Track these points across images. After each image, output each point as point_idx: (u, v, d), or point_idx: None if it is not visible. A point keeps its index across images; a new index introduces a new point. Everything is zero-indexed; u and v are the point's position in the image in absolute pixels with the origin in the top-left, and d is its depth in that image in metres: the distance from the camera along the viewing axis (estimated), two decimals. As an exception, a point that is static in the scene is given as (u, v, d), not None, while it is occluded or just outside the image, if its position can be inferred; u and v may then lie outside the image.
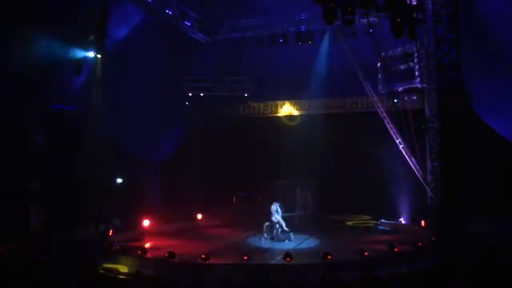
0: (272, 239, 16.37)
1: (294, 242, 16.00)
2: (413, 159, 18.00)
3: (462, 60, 13.73)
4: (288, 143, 21.27)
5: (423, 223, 17.80)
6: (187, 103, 22.87)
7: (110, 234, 16.84)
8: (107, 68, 16.94)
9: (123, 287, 11.47)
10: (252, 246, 15.63)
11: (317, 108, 22.47)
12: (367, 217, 20.16)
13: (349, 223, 19.74)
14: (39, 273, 10.81)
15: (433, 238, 14.83)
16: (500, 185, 17.55)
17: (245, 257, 12.96)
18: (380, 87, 19.23)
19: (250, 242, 16.54)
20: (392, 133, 18.56)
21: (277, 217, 16.48)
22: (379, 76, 19.11)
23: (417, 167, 17.87)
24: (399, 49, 17.91)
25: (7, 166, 15.30)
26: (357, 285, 9.17)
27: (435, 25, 13.85)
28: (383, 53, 18.04)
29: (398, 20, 13.50)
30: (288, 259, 12.81)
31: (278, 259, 13.43)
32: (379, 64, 18.83)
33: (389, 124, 18.77)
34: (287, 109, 23.05)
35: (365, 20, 15.93)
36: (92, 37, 14.78)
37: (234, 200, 21.18)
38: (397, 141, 18.51)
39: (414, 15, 14.77)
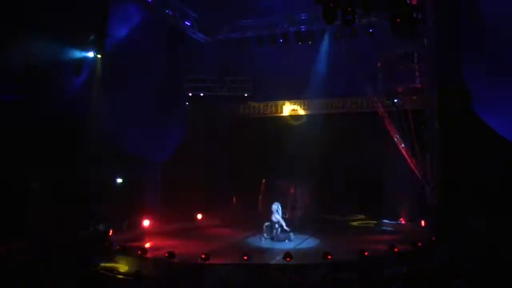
0: (272, 239, 16.37)
1: (294, 242, 16.00)
2: (413, 159, 18.00)
3: (462, 60, 13.73)
4: (288, 143, 21.25)
5: (423, 223, 17.80)
6: (187, 103, 22.86)
7: (110, 234, 16.84)
8: (107, 68, 16.92)
9: (123, 287, 11.48)
10: (252, 246, 15.62)
11: (317, 108, 22.46)
12: (364, 217, 20.20)
13: (354, 223, 19.73)
14: (39, 273, 10.81)
15: (433, 238, 14.83)
16: (500, 185, 17.54)
17: (245, 257, 12.96)
18: (380, 87, 19.22)
19: (250, 242, 16.53)
20: (392, 133, 18.55)
21: (277, 216, 16.48)
22: (379, 76, 19.10)
23: (417, 167, 17.86)
24: (399, 49, 17.89)
25: (7, 166, 15.31)
26: (357, 285, 9.18)
27: (435, 25, 13.87)
28: (383, 53, 18.03)
29: (398, 20, 13.50)
30: (288, 259, 12.82)
31: (278, 259, 13.42)
32: (379, 64, 18.82)
33: (389, 124, 18.76)
34: (287, 109, 23.04)
35: (365, 20, 15.95)
36: (92, 37, 14.77)
37: (234, 200, 21.17)
38: (397, 141, 18.51)
39: (414, 15, 14.76)
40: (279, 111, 23.24)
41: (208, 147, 22.48)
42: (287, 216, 17.85)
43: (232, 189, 21.33)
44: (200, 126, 23.19)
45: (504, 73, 15.56)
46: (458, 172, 14.03)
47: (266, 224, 16.72)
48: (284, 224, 16.41)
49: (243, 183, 20.38)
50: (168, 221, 19.71)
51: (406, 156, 18.22)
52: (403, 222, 18.89)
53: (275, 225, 16.46)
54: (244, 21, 20.61)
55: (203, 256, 12.92)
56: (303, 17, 19.96)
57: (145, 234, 18.05)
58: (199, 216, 20.81)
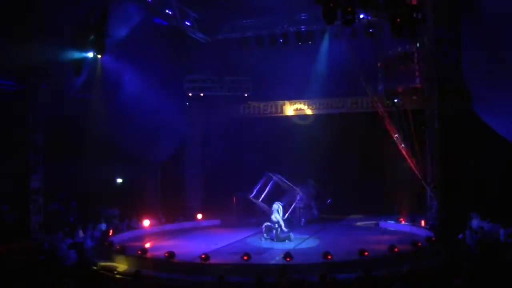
0: (272, 239, 16.36)
1: (294, 242, 15.99)
2: (413, 159, 18.00)
3: (462, 60, 13.72)
4: (288, 143, 21.28)
5: (423, 223, 17.80)
6: (187, 103, 22.87)
7: (110, 234, 16.85)
8: (107, 68, 16.93)
9: (123, 287, 11.48)
10: (252, 246, 15.62)
11: (317, 108, 22.47)
12: (364, 217, 20.21)
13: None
14: (39, 273, 10.82)
15: (433, 238, 14.83)
16: (500, 185, 17.54)
17: (245, 257, 12.96)
18: (380, 87, 19.21)
19: (250, 242, 16.53)
20: (392, 133, 18.55)
21: (277, 216, 16.47)
22: (379, 76, 19.10)
23: (417, 167, 17.86)
24: (399, 49, 17.88)
25: (7, 166, 15.33)
26: (357, 285, 9.18)
27: (435, 25, 13.86)
28: (383, 53, 18.02)
29: (398, 20, 13.50)
30: (288, 259, 12.82)
31: (278, 259, 13.42)
32: (379, 64, 18.82)
33: (389, 124, 18.76)
34: (287, 109, 23.03)
35: (365, 20, 15.94)
36: (92, 37, 14.76)
37: (234, 200, 21.18)
38: (397, 141, 18.51)
39: (414, 15, 14.76)
40: (279, 111, 23.24)
41: (208, 147, 22.48)
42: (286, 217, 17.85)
43: (232, 189, 21.32)
44: (200, 126, 23.21)
45: (504, 73, 15.56)
46: (458, 172, 14.01)
47: (266, 224, 16.71)
48: (283, 224, 16.40)
49: (243, 183, 20.37)
50: (168, 221, 19.73)
51: (406, 156, 18.22)
52: (403, 222, 18.88)
53: (275, 225, 16.45)
54: (244, 21, 20.61)
55: (203, 256, 12.93)
56: (303, 17, 19.96)
57: (145, 234, 18.05)
58: (199, 216, 20.82)
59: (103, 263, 13.48)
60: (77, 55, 15.39)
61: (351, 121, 21.32)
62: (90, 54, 16.06)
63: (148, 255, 14.07)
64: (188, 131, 23.01)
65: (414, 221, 18.41)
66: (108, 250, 14.77)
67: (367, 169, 20.08)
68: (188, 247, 15.36)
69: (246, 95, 22.57)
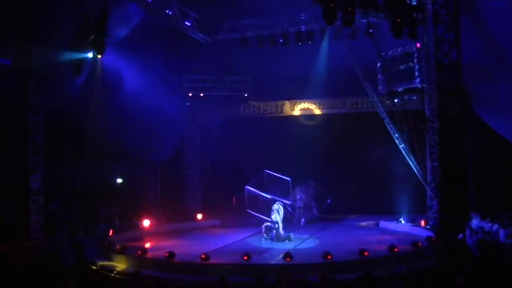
0: (272, 239, 16.36)
1: (294, 242, 16.00)
2: (413, 159, 18.00)
3: (462, 60, 13.73)
4: (288, 143, 21.28)
5: (423, 223, 17.81)
6: (187, 103, 22.87)
7: (110, 234, 16.85)
8: (107, 68, 16.93)
9: (123, 287, 11.47)
10: (252, 246, 15.62)
11: (317, 108, 22.49)
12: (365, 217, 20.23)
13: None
14: (39, 273, 10.81)
15: (433, 238, 14.83)
16: (500, 184, 17.55)
17: (245, 257, 12.96)
18: (380, 87, 19.23)
19: (250, 242, 16.53)
20: (392, 133, 18.56)
21: (276, 216, 16.47)
22: (379, 76, 19.10)
23: (417, 167, 17.86)
24: (399, 49, 17.89)
25: (8, 166, 15.31)
26: (357, 285, 9.16)
27: (435, 25, 13.86)
28: (383, 53, 18.03)
29: (398, 20, 13.50)
30: (288, 259, 12.82)
31: (278, 259, 13.42)
32: (379, 64, 18.82)
33: (389, 124, 18.77)
34: (287, 109, 23.04)
35: (365, 20, 15.93)
36: (92, 37, 14.75)
37: (234, 200, 21.18)
38: (397, 141, 18.51)
39: (414, 15, 14.77)
40: (279, 111, 23.26)
41: (208, 147, 22.47)
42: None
43: (232, 189, 21.33)
44: (201, 126, 23.20)
45: (504, 73, 15.56)
46: (458, 172, 14.00)
47: (266, 224, 16.71)
48: (281, 226, 16.38)
49: (243, 183, 20.39)
50: (168, 221, 19.73)
51: (406, 156, 18.23)
52: (403, 222, 18.88)
53: (275, 225, 16.45)
54: (244, 21, 20.59)
55: (203, 256, 12.93)
56: (303, 17, 19.95)
57: (145, 234, 18.05)
58: (199, 216, 20.83)
59: (103, 263, 13.48)
60: (77, 55, 15.38)
61: (351, 121, 21.32)
62: (90, 54, 16.06)
63: (148, 255, 14.07)
64: (188, 131, 23.01)
65: (414, 221, 18.42)
66: (108, 250, 14.78)
67: (367, 169, 20.07)
68: (188, 247, 15.37)
69: (246, 95, 22.58)
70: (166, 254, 13.30)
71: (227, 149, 21.75)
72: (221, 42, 21.24)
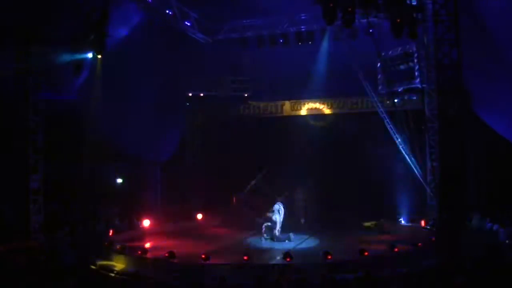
0: (272, 239, 16.36)
1: (294, 242, 15.99)
2: (413, 159, 17.99)
3: (462, 60, 13.70)
4: (288, 143, 21.26)
5: (423, 223, 17.80)
6: (187, 103, 22.85)
7: (110, 234, 16.84)
8: (107, 68, 16.93)
9: (123, 287, 11.47)
10: (252, 246, 15.62)
11: (317, 108, 22.47)
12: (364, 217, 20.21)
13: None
14: (39, 273, 10.81)
15: (433, 238, 14.83)
16: (500, 185, 17.53)
17: (245, 257, 12.96)
18: (380, 87, 19.23)
19: (250, 242, 16.52)
20: (392, 133, 18.55)
21: (276, 216, 16.47)
22: (379, 76, 19.10)
23: (417, 167, 17.86)
24: (399, 49, 17.90)
25: (8, 166, 15.31)
26: (357, 285, 9.17)
27: (435, 25, 13.83)
28: (383, 53, 18.02)
29: (398, 20, 13.49)
30: (288, 259, 12.82)
31: (278, 259, 13.42)
32: (379, 64, 18.82)
33: (389, 124, 18.77)
34: (287, 109, 23.03)
35: (365, 20, 15.91)
36: (92, 37, 14.75)
37: (234, 200, 21.17)
38: (397, 141, 18.51)
39: (414, 15, 14.75)
40: (279, 111, 23.25)
41: (208, 147, 22.46)
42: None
43: (232, 189, 21.32)
44: (200, 126, 23.19)
45: (504, 73, 15.55)
46: (458, 172, 13.98)
47: (266, 224, 16.71)
48: (279, 226, 16.36)
49: (243, 183, 20.38)
50: (168, 221, 19.72)
51: (406, 156, 18.22)
52: (403, 222, 18.87)
53: (275, 225, 16.45)
54: (244, 21, 20.59)
55: (203, 256, 12.93)
56: (303, 17, 19.93)
57: (145, 234, 18.04)
58: (199, 216, 20.80)
59: (102, 263, 13.48)
60: (77, 55, 15.39)
61: (351, 121, 21.31)
62: (90, 54, 16.06)
63: (148, 255, 14.07)
64: (188, 131, 22.99)
65: (414, 221, 18.41)
66: (108, 250, 14.77)
67: (367, 169, 20.05)
68: (188, 247, 15.36)
69: (246, 95, 22.56)
70: (166, 254, 13.30)
71: (227, 149, 21.73)
72: (221, 42, 21.23)
